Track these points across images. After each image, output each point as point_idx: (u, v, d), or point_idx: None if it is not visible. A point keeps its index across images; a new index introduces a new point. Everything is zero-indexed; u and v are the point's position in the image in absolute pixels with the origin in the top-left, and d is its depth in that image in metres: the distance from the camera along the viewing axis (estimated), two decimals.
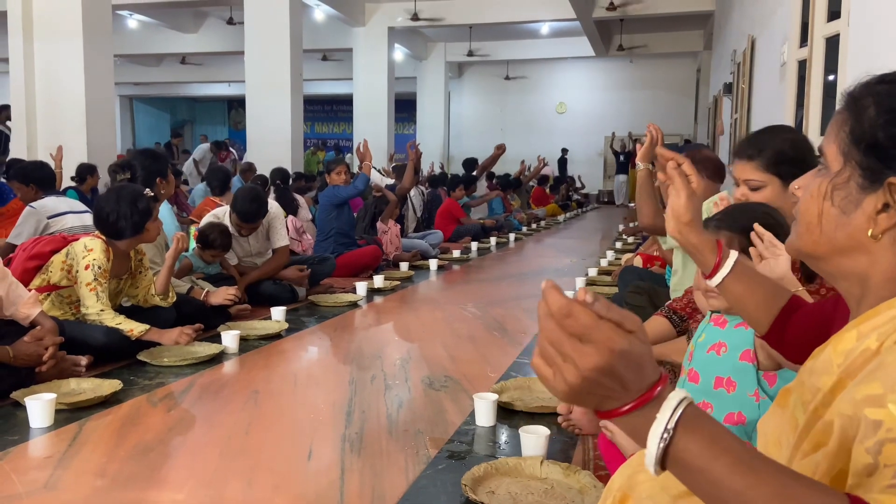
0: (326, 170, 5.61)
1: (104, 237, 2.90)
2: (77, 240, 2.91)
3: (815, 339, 1.10)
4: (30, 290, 2.68)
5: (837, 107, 0.83)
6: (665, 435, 0.61)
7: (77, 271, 2.82)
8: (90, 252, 2.82)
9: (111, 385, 2.42)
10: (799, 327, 1.12)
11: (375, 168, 7.38)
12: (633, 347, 0.60)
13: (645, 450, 1.46)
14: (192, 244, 4.09)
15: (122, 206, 2.85)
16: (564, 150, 17.21)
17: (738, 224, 1.49)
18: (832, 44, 3.63)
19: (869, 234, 0.77)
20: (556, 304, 0.60)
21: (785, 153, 1.78)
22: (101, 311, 2.79)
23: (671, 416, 0.61)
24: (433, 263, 5.69)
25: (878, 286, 0.78)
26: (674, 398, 0.62)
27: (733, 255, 1.13)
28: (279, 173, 7.12)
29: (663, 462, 0.62)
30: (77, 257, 2.82)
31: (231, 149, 12.68)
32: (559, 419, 2.07)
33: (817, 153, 0.85)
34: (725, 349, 1.47)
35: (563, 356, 0.60)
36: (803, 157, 1.78)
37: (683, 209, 1.08)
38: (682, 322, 2.19)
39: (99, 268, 2.81)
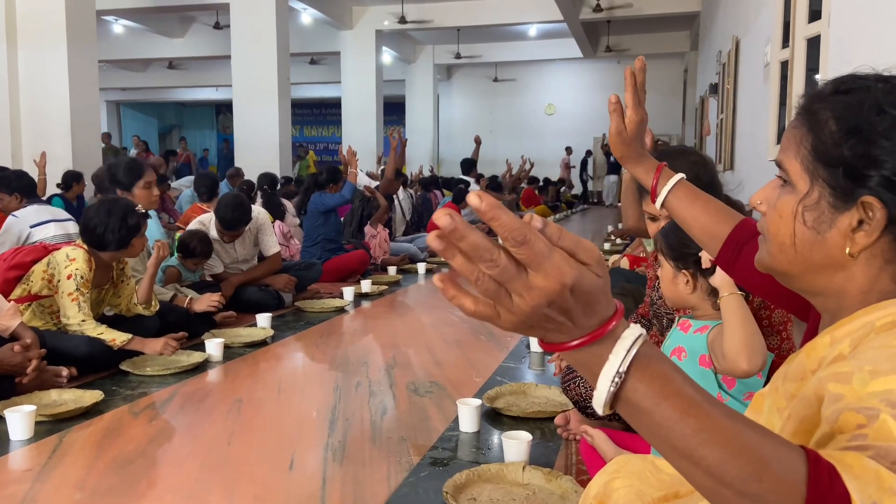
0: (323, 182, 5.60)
1: (87, 247, 2.87)
2: (58, 249, 2.88)
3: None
4: (10, 301, 2.65)
5: (793, 118, 0.81)
6: (616, 379, 0.57)
7: (58, 281, 2.79)
8: (73, 262, 2.79)
9: (92, 396, 2.40)
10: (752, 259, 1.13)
11: (363, 171, 7.37)
12: (585, 280, 0.54)
13: (625, 453, 1.45)
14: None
15: (112, 219, 2.84)
16: (588, 153, 17.51)
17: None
18: (814, 44, 3.65)
19: (847, 251, 0.75)
20: (510, 228, 0.51)
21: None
22: (83, 321, 2.77)
23: (624, 357, 0.56)
24: (421, 267, 5.68)
25: (853, 299, 0.77)
26: (628, 337, 0.57)
27: (673, 179, 1.19)
28: (266, 178, 7.10)
29: (613, 402, 0.58)
30: (59, 267, 2.80)
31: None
32: (558, 430, 2.08)
33: (775, 163, 0.84)
34: (685, 354, 1.48)
35: (509, 290, 0.54)
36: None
37: (614, 145, 1.21)
38: (648, 325, 2.24)
39: (81, 278, 2.78)
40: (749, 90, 5.88)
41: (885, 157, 0.72)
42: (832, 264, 0.77)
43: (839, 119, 0.75)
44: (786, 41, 4.21)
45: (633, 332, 0.57)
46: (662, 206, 1.21)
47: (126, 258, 3.06)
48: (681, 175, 1.18)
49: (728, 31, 7.40)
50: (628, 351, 0.57)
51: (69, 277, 2.77)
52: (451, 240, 0.52)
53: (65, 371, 2.59)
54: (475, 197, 0.51)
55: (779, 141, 4.34)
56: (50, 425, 2.20)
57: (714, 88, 8.55)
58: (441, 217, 0.51)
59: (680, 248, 1.50)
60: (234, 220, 3.96)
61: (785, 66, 4.19)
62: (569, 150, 17.47)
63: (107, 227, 2.83)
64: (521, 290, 0.53)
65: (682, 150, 2.11)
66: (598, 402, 0.58)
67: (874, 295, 0.76)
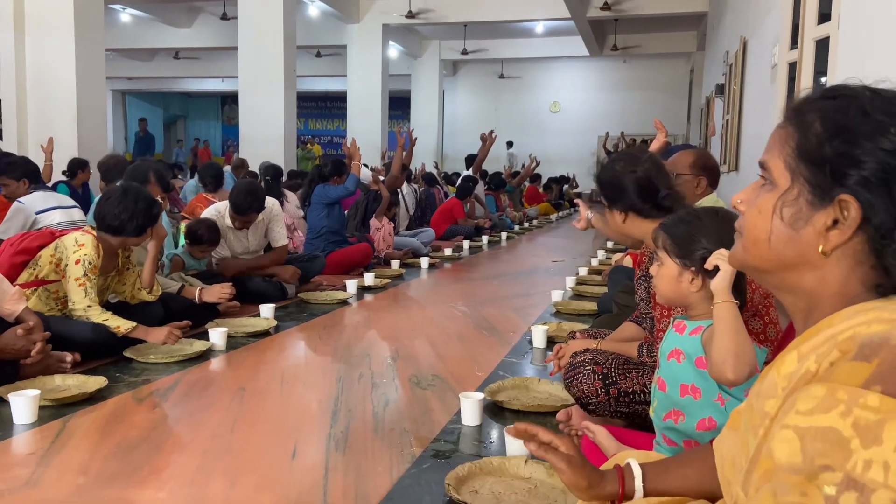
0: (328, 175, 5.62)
1: (95, 232, 2.88)
2: (66, 234, 2.89)
3: None
4: (16, 286, 2.66)
5: (781, 120, 0.83)
6: None
7: (66, 266, 2.80)
8: (81, 247, 2.80)
9: (96, 382, 2.41)
10: None
11: (366, 165, 7.37)
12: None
13: (627, 449, 1.47)
14: (182, 241, 4.09)
15: (140, 205, 2.90)
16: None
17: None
18: (822, 46, 3.64)
19: (819, 250, 0.77)
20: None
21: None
22: (88, 307, 2.78)
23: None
24: (424, 262, 5.68)
25: (825, 301, 0.78)
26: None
27: (636, 470, 1.08)
28: (270, 169, 7.09)
29: None
30: (67, 252, 2.81)
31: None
32: (560, 426, 2.08)
33: (759, 164, 0.85)
34: (683, 357, 1.47)
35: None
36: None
37: (570, 485, 1.07)
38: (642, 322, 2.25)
39: (89, 263, 2.79)
40: (756, 91, 5.87)
41: (865, 158, 0.74)
42: (804, 262, 0.79)
43: (825, 120, 0.77)
44: (794, 42, 4.19)
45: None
46: (645, 494, 1.07)
47: (132, 246, 3.07)
48: (633, 461, 1.08)
49: (736, 32, 7.38)
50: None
51: (77, 262, 2.78)
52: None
53: (69, 356, 2.60)
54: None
55: None
56: (53, 410, 2.21)
57: (720, 89, 8.54)
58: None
59: (687, 242, 1.45)
60: (246, 205, 4.02)
61: (793, 67, 4.18)
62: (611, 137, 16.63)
63: (133, 214, 2.87)
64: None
65: (621, 155, 2.18)
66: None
67: (841, 299, 0.77)
